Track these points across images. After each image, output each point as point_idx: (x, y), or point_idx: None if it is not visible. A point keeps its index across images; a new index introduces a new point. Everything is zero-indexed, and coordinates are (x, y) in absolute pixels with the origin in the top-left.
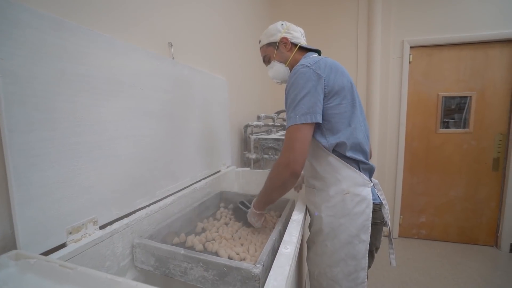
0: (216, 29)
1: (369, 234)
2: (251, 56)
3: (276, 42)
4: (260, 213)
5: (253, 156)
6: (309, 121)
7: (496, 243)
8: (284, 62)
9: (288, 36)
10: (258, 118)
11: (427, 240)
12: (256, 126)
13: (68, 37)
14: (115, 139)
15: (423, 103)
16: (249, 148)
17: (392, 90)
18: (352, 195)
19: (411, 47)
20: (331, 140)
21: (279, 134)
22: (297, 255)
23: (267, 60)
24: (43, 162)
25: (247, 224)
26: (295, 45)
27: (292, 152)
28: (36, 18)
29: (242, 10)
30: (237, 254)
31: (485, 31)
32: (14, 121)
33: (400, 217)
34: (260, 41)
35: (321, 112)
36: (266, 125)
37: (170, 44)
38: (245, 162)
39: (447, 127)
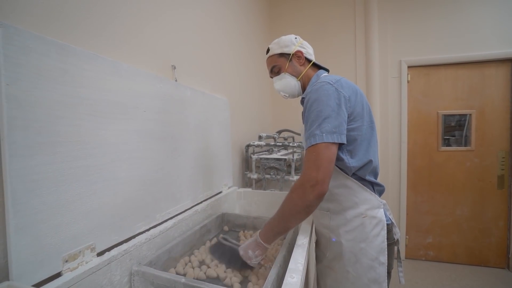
0: (218, 50)
1: (387, 256)
2: (251, 75)
3: (290, 54)
4: (266, 246)
5: (254, 176)
6: (336, 141)
7: (508, 265)
8: (296, 76)
9: (303, 50)
10: (260, 137)
11: (435, 262)
12: (258, 145)
13: (72, 62)
14: (116, 161)
15: (424, 121)
16: (251, 168)
17: (392, 109)
18: (370, 218)
19: (409, 67)
20: (353, 163)
21: (281, 154)
22: (303, 285)
23: (275, 71)
24: (42, 187)
25: (233, 264)
26: (309, 61)
27: (320, 171)
28: (42, 44)
29: (242, 31)
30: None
31: (480, 51)
32: (15, 146)
33: (406, 238)
34: (268, 50)
35: (345, 133)
36: (267, 144)
37: (174, 67)
38: (246, 183)
39: (448, 145)
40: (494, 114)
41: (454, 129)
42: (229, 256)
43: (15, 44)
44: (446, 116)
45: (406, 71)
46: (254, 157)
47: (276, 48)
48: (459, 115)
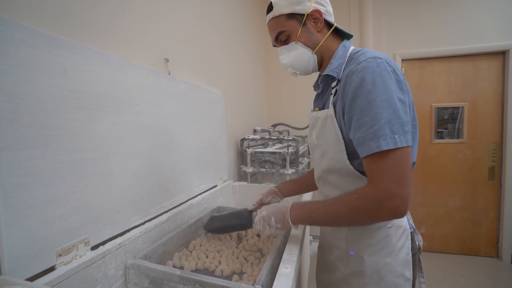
0: (211, 44)
1: (411, 270)
2: (246, 69)
3: (304, 14)
4: (291, 226)
5: (249, 170)
6: (410, 144)
7: (497, 254)
8: (311, 47)
9: (321, 9)
10: (254, 131)
11: (427, 252)
12: (253, 139)
13: (64, 54)
14: (109, 155)
15: (417, 114)
16: (246, 162)
17: None
18: (396, 227)
19: (403, 60)
20: None
21: (276, 148)
22: (297, 275)
23: (283, 39)
24: (33, 181)
25: (231, 224)
26: (329, 25)
27: (404, 186)
28: (31, 35)
29: (236, 24)
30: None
31: (473, 44)
32: (4, 139)
33: None
34: (272, 6)
35: None
36: (262, 138)
37: (167, 60)
38: (241, 176)
39: (441, 137)
40: (486, 107)
41: (447, 121)
42: (228, 220)
43: (2, 35)
44: (439, 109)
45: (400, 64)
46: (249, 151)
47: (284, 4)
48: (452, 108)
